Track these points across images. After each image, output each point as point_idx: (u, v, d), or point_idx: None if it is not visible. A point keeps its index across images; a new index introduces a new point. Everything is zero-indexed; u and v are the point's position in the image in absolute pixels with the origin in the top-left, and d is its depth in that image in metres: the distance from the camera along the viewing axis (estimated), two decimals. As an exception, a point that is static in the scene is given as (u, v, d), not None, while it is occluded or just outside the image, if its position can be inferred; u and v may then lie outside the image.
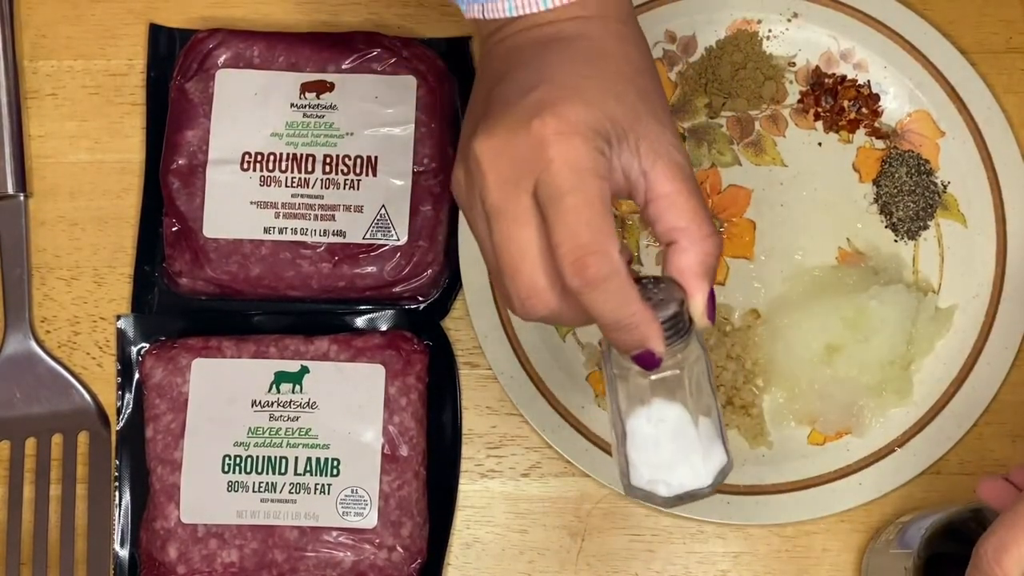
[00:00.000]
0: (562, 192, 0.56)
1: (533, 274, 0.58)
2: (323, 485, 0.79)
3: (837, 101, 0.86)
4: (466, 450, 0.82)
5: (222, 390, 0.80)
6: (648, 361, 0.59)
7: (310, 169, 0.83)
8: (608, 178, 0.58)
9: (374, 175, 0.83)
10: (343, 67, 0.84)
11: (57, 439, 0.82)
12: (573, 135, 0.57)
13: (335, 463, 0.79)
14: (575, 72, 0.60)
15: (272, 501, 0.79)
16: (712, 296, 0.59)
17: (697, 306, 0.59)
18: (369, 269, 0.82)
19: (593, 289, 0.56)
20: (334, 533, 0.79)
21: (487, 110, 0.60)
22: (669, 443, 0.61)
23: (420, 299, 0.84)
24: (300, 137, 0.83)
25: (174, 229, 0.83)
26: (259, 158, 0.83)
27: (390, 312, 0.83)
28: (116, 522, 0.81)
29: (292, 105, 0.84)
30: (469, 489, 0.82)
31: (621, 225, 0.85)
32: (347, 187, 0.83)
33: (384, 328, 0.83)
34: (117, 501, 0.81)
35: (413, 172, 0.83)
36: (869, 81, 0.86)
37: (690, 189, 0.60)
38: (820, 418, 0.81)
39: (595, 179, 0.57)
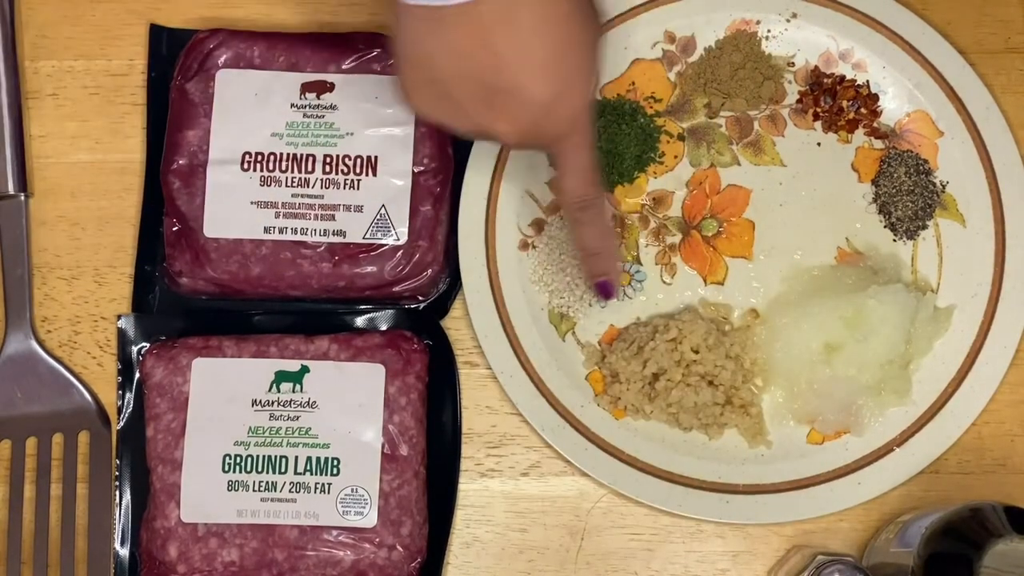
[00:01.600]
0: None
1: None
2: (323, 484, 0.79)
3: (836, 101, 0.86)
4: (466, 449, 0.82)
5: (222, 389, 0.80)
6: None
7: (310, 169, 0.83)
8: None
9: (374, 175, 0.83)
10: (343, 67, 0.84)
11: (58, 438, 0.82)
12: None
13: (335, 462, 0.79)
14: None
15: (272, 500, 0.79)
16: None
17: None
18: (369, 269, 0.83)
19: None
20: (334, 532, 0.79)
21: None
22: None
23: (420, 299, 0.84)
24: (300, 137, 0.83)
25: (174, 229, 0.83)
26: (259, 158, 0.83)
27: (390, 312, 0.83)
28: (116, 521, 0.81)
29: (292, 105, 0.84)
30: (469, 488, 0.82)
31: (620, 225, 0.85)
32: (347, 187, 0.83)
33: (384, 328, 0.83)
34: (118, 500, 0.81)
35: (413, 172, 0.83)
36: (868, 81, 0.87)
37: None
38: (819, 417, 0.81)
39: None
